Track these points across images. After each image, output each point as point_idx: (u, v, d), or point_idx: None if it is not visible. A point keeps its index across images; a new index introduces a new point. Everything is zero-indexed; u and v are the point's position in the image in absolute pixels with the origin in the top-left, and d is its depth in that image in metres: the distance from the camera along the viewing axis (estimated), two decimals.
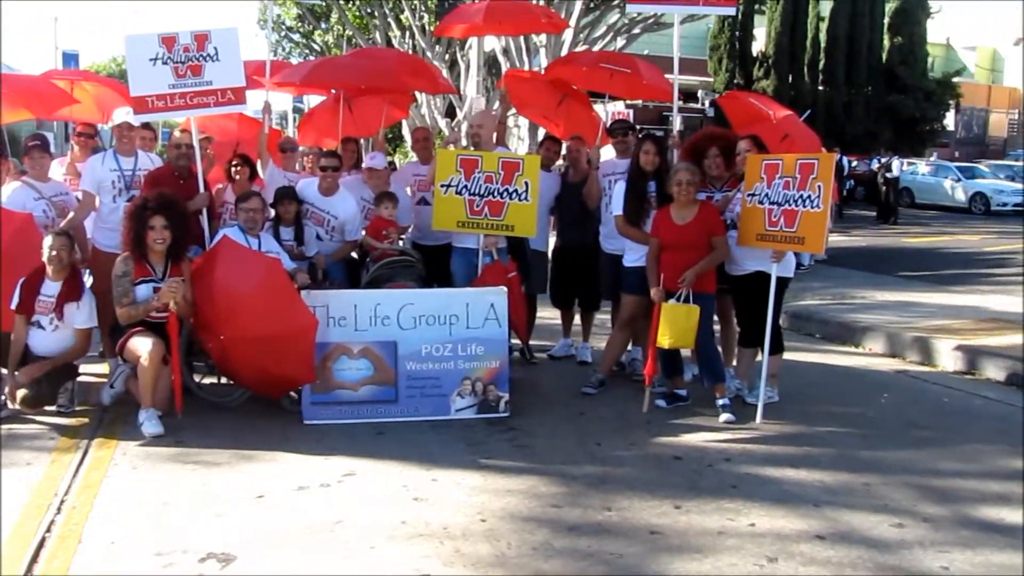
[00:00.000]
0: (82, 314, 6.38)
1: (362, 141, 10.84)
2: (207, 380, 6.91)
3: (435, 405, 6.46)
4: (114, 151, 7.29)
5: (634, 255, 7.03)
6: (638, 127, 9.53)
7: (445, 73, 20.43)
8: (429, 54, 22.33)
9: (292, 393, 6.54)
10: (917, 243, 19.30)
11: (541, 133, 10.03)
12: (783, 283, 6.73)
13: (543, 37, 18.97)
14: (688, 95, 32.19)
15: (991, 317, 9.85)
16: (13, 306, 6.23)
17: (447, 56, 23.87)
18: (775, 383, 6.90)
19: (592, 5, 19.90)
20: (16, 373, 6.28)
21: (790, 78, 33.13)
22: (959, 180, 28.57)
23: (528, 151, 15.32)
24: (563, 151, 8.33)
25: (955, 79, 37.16)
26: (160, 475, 5.34)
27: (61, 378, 6.44)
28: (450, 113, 23.94)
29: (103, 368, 7.26)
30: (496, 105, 12.94)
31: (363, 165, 8.19)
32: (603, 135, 8.14)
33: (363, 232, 7.51)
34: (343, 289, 6.96)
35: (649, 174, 7.02)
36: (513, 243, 7.41)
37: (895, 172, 24.65)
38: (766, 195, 6.44)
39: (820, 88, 33.59)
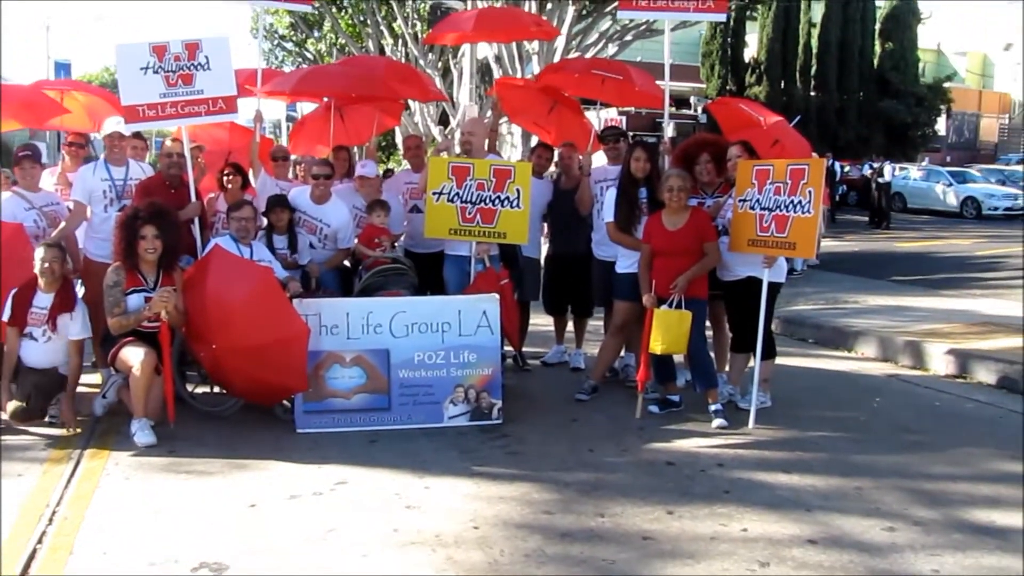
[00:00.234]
0: (76, 325, 6.36)
1: (355, 149, 10.87)
2: (200, 389, 6.91)
3: (428, 413, 6.46)
4: (105, 161, 7.29)
5: (626, 261, 7.04)
6: (630, 134, 9.55)
7: (438, 81, 20.51)
8: (422, 62, 22.35)
9: (285, 402, 6.53)
10: (909, 248, 19.34)
11: (534, 140, 10.04)
12: (775, 288, 6.75)
13: (535, 44, 19.00)
14: (681, 101, 32.31)
15: (982, 321, 9.88)
16: (5, 318, 6.23)
17: (440, 64, 23.90)
18: (767, 388, 6.91)
19: (584, 12, 19.93)
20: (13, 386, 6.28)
21: (782, 84, 33.26)
22: (951, 185, 28.64)
23: (521, 158, 15.34)
24: (555, 158, 8.35)
25: (946, 84, 37.31)
26: (153, 485, 5.33)
27: (53, 390, 6.42)
28: (443, 121, 23.97)
29: (95, 378, 7.25)
30: (488, 113, 12.96)
31: (355, 173, 8.19)
32: (594, 141, 8.16)
33: (355, 240, 7.51)
34: (335, 297, 6.97)
35: (640, 180, 7.03)
36: (505, 250, 7.42)
37: (887, 177, 24.71)
38: (757, 201, 6.46)
39: (812, 94, 33.72)
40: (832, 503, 5.04)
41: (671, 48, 8.38)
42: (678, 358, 6.89)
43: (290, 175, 8.69)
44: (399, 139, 24.19)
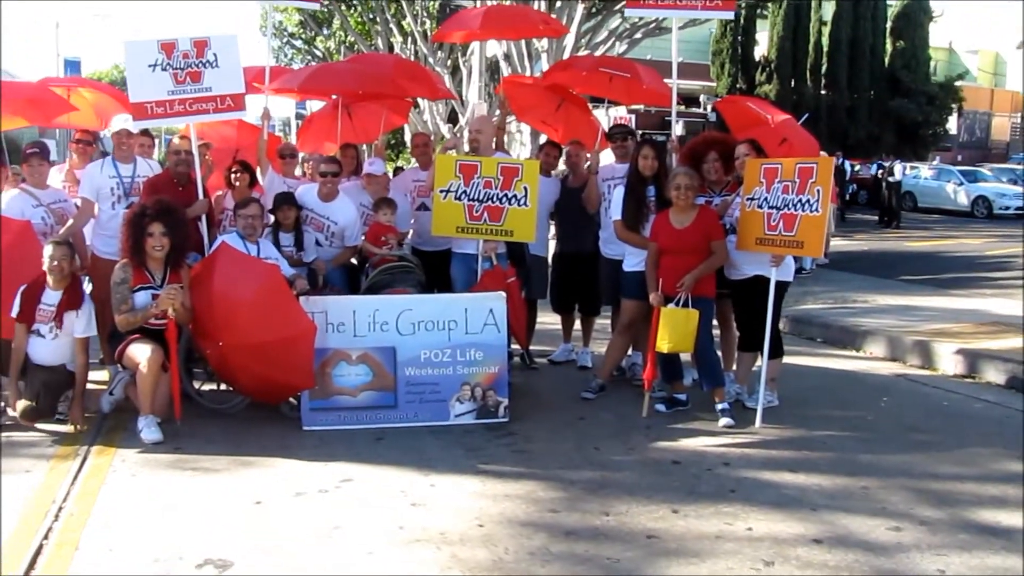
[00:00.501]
0: (81, 322, 6.36)
1: (363, 147, 10.87)
2: (206, 387, 6.92)
3: (434, 410, 6.46)
4: (113, 158, 7.31)
5: (634, 260, 7.03)
6: (639, 132, 9.54)
7: (447, 79, 20.50)
8: (431, 60, 22.37)
9: (291, 399, 6.54)
10: (919, 247, 19.27)
11: (543, 138, 10.04)
12: (782, 287, 6.73)
13: (544, 42, 19.00)
14: (690, 100, 32.22)
15: (992, 320, 9.83)
16: (14, 315, 6.23)
17: (449, 62, 23.91)
18: (774, 387, 6.90)
19: (594, 10, 19.91)
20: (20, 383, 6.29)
21: (792, 82, 33.17)
22: (961, 184, 28.52)
23: (530, 156, 15.33)
24: (563, 156, 8.34)
25: (957, 83, 37.15)
26: (159, 482, 5.34)
27: (61, 388, 6.43)
28: (452, 119, 23.97)
29: (102, 375, 7.27)
30: (496, 111, 12.96)
31: (363, 171, 8.20)
32: (602, 139, 8.14)
33: (362, 238, 7.52)
34: (342, 295, 6.98)
35: (648, 179, 7.02)
36: (512, 248, 7.41)
37: (897, 176, 24.61)
38: (765, 199, 6.44)
39: (823, 92, 33.63)
40: (838, 502, 5.03)
41: (680, 46, 8.35)
42: (685, 357, 6.87)
43: (297, 172, 8.69)
44: (408, 137, 24.19)
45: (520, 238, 7.16)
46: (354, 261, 7.78)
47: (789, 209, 6.28)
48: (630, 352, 7.71)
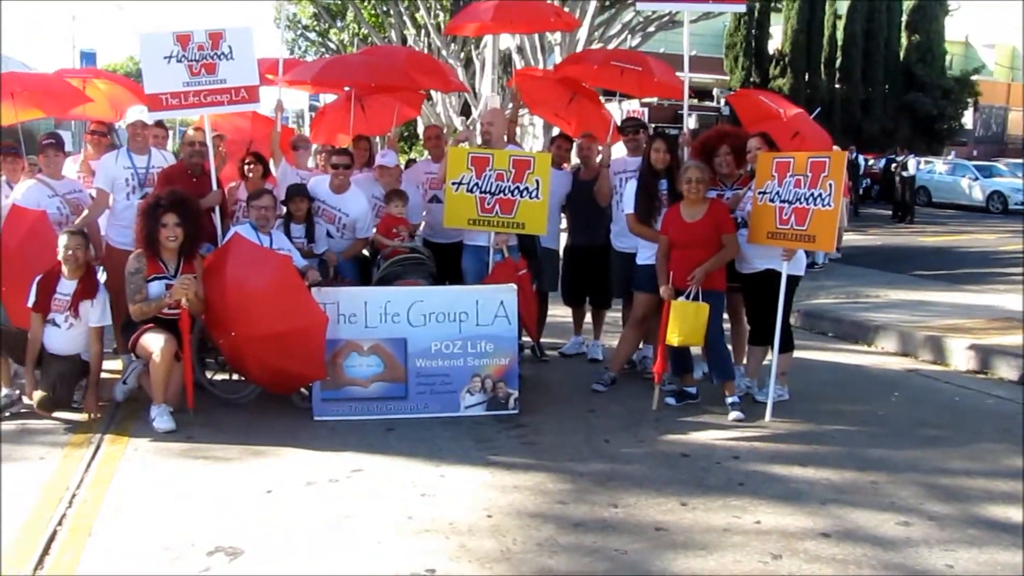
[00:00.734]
0: (96, 312, 6.39)
1: (376, 139, 10.90)
2: (219, 376, 6.96)
3: (445, 402, 6.49)
4: (128, 149, 7.35)
5: (647, 253, 7.03)
6: (651, 125, 9.54)
7: (460, 71, 20.51)
8: (444, 52, 22.38)
9: (303, 389, 6.58)
10: (933, 242, 19.20)
11: (556, 131, 10.05)
12: (793, 281, 6.72)
13: (558, 35, 18.99)
14: (703, 93, 32.16)
15: (1005, 316, 9.80)
16: (30, 304, 6.28)
17: (462, 54, 23.93)
18: (785, 381, 6.89)
19: (607, 4, 19.89)
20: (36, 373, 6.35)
21: (807, 76, 33.09)
22: (976, 179, 28.39)
23: (543, 149, 15.33)
24: (575, 149, 8.34)
25: (973, 77, 36.99)
26: (171, 470, 5.39)
27: (76, 377, 6.48)
28: (465, 111, 23.99)
29: (116, 364, 7.32)
30: (509, 104, 12.96)
31: (375, 163, 8.22)
32: (614, 133, 8.15)
33: (374, 230, 7.54)
34: (353, 286, 7.01)
35: (660, 172, 7.03)
36: (524, 241, 7.42)
37: (911, 171, 24.50)
38: (777, 193, 6.43)
39: (837, 86, 33.53)
40: (847, 497, 5.03)
41: (694, 40, 8.34)
42: (696, 350, 6.88)
43: (310, 164, 8.72)
44: (421, 129, 24.22)
45: (532, 231, 7.17)
46: (366, 253, 7.81)
47: (801, 203, 6.27)
48: (641, 345, 7.72)
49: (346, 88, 9.42)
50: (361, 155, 8.55)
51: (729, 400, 6.55)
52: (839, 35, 33.88)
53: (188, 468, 5.43)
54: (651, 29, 21.28)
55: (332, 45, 31.09)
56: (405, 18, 24.47)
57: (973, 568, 4.21)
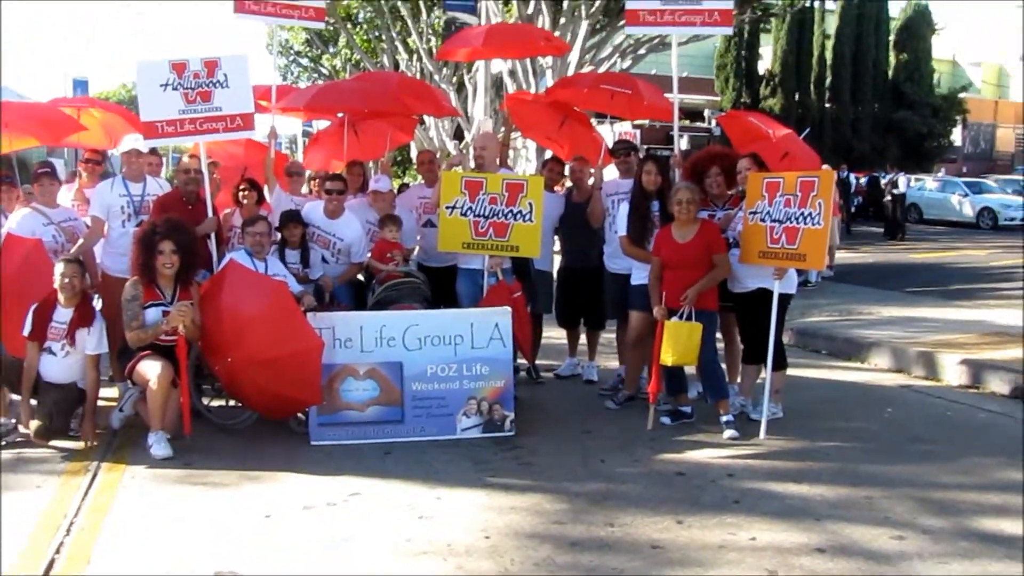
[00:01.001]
0: (93, 339, 6.41)
1: (369, 164, 10.96)
2: (215, 403, 6.98)
3: (441, 425, 6.52)
4: (123, 177, 7.41)
5: (641, 273, 7.08)
6: (643, 147, 9.62)
7: (452, 95, 20.64)
8: (436, 77, 22.50)
9: (299, 414, 6.60)
10: (924, 259, 19.29)
11: (548, 155, 10.13)
12: (785, 300, 6.78)
13: (549, 59, 19.10)
14: (695, 114, 32.36)
15: (996, 331, 9.85)
16: (26, 333, 6.30)
17: (454, 79, 24.06)
18: (779, 399, 6.94)
19: (598, 26, 20.02)
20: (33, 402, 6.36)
21: (797, 96, 33.32)
22: (966, 195, 28.55)
23: (535, 172, 15.42)
24: (567, 172, 8.41)
25: (961, 95, 37.25)
26: (169, 496, 5.40)
27: (72, 406, 6.49)
28: (458, 135, 24.10)
29: (112, 392, 7.33)
30: (502, 127, 13.05)
31: (369, 188, 8.28)
32: (605, 155, 8.22)
33: (368, 255, 7.59)
34: (349, 311, 7.04)
35: (651, 194, 7.10)
36: (518, 263, 7.47)
37: (901, 188, 24.65)
38: (767, 213, 6.50)
39: (827, 105, 33.75)
40: (841, 512, 5.07)
41: (684, 61, 8.47)
42: (690, 370, 6.92)
43: (304, 190, 8.78)
44: (414, 154, 24.32)
45: (525, 253, 7.22)
46: (360, 277, 7.86)
47: (791, 222, 6.33)
48: None
49: (339, 114, 9.50)
50: (355, 180, 8.60)
51: (724, 418, 6.59)
52: (828, 55, 34.14)
53: (186, 494, 5.44)
54: (642, 51, 21.40)
55: (324, 71, 31.27)
56: (397, 43, 24.61)
57: None
